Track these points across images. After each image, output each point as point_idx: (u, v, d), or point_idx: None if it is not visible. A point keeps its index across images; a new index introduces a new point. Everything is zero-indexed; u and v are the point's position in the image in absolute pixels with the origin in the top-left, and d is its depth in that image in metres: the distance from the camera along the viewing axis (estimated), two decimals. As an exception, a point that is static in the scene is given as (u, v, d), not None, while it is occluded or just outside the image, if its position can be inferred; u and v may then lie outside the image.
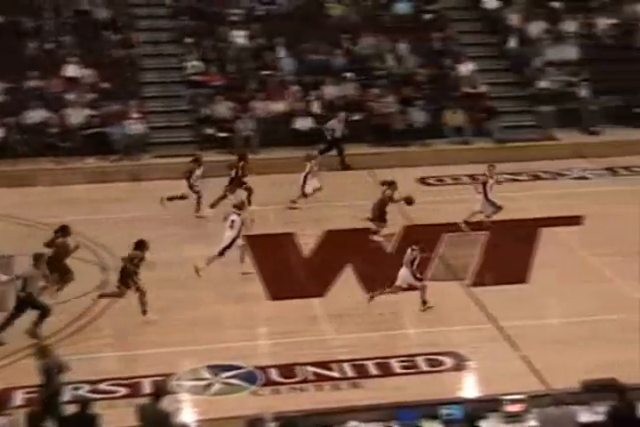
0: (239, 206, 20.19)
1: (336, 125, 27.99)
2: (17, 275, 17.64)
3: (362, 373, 16.27)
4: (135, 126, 28.45)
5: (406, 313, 18.95)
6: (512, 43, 31.65)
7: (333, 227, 22.76)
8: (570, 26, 32.13)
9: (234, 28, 31.40)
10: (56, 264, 18.39)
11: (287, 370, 16.31)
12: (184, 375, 16.18)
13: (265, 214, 23.45)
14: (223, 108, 29.18)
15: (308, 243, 21.86)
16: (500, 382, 15.69)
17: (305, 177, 23.87)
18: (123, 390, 15.66)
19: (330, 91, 29.92)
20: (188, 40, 31.11)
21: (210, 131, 29.00)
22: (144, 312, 17.96)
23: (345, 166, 27.41)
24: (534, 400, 14.01)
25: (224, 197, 23.32)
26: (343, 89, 30.01)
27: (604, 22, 32.21)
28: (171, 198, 23.04)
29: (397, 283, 18.51)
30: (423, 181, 26.02)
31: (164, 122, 29.53)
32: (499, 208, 22.47)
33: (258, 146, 28.45)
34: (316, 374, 16.24)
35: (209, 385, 15.94)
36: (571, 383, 14.63)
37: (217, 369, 16.31)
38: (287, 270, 20.31)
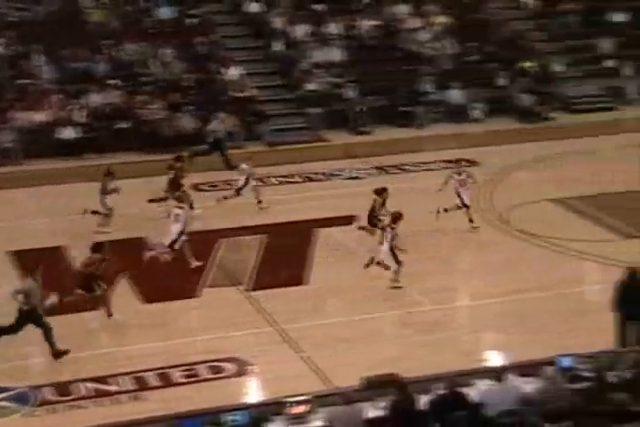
0: (180, 200, 20.73)
1: (217, 126, 27.63)
2: (17, 289, 16.77)
3: (143, 385, 15.78)
4: None
5: (186, 321, 18.53)
6: (277, 46, 31.62)
7: (106, 237, 22.01)
8: (333, 28, 32.40)
9: (-14, 36, 30.14)
10: None
11: (63, 388, 15.64)
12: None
13: (34, 227, 22.56)
14: (-21, 120, 27.94)
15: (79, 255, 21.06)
16: (284, 385, 15.55)
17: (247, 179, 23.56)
18: None
19: (95, 98, 29.09)
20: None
21: (-35, 144, 27.64)
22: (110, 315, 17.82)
23: (230, 167, 26.75)
24: (319, 400, 13.94)
25: (165, 198, 22.46)
26: (108, 96, 29.22)
27: (366, 24, 32.65)
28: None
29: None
30: (197, 187, 25.58)
31: None
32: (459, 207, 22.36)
33: (20, 157, 27.32)
34: (95, 389, 15.63)
35: (-22, 410, 15.08)
36: (353, 381, 14.60)
37: (-15, 392, 15.47)
38: (59, 284, 19.46)
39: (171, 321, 18.23)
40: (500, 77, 31.84)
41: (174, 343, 17.36)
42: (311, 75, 30.87)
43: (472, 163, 26.85)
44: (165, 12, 32.26)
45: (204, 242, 21.35)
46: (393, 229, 19.15)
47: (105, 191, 22.46)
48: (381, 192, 21.46)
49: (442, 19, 33.59)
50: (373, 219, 21.29)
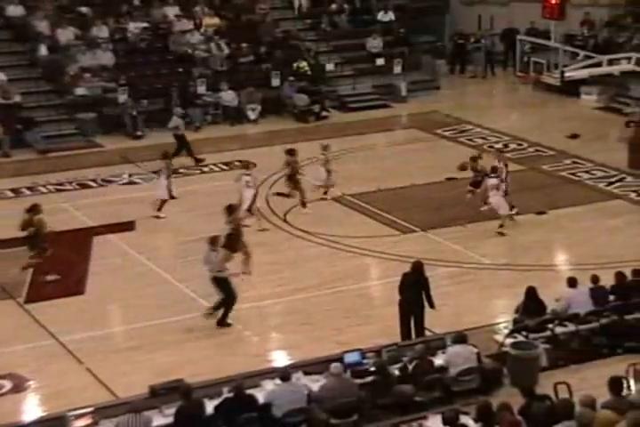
0: (247, 167, 22.59)
1: (178, 122, 27.08)
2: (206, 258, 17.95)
3: None
4: None
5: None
6: (42, 50, 30.60)
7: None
8: (101, 31, 31.63)
9: None
10: (36, 241, 19.85)
11: None
12: None
13: None
14: None
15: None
16: (66, 398, 15.15)
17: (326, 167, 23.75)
18: None
19: None
20: None
21: None
22: None
23: (196, 160, 27.09)
24: (103, 411, 13.60)
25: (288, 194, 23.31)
26: None
27: (135, 26, 32.06)
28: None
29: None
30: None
31: None
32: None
33: None
34: None
35: None
36: (138, 390, 14.34)
37: None
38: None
39: None
40: (274, 78, 31.89)
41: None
42: (81, 79, 30.03)
43: (249, 164, 26.71)
44: None
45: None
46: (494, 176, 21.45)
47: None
48: (476, 159, 22.53)
49: (213, 20, 33.37)
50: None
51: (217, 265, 17.78)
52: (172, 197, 23.36)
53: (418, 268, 16.84)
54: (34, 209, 20.04)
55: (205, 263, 17.91)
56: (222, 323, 17.85)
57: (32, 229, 19.83)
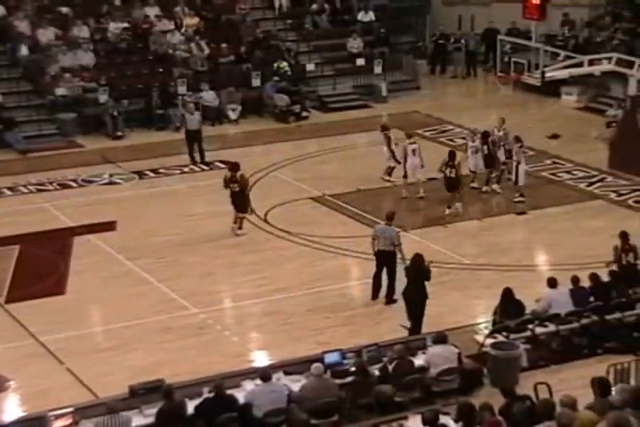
0: (411, 136, 24.23)
1: (194, 117, 27.03)
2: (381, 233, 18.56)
3: None
4: None
5: None
6: (23, 50, 30.49)
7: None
8: (82, 31, 31.54)
9: None
10: (242, 197, 21.47)
11: None
12: None
13: None
14: None
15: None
16: (47, 398, 15.14)
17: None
18: None
19: None
20: None
21: None
22: None
23: (203, 160, 26.93)
24: (83, 412, 13.60)
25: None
26: None
27: (115, 26, 31.98)
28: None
29: None
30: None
31: None
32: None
33: None
34: None
35: None
36: (118, 390, 14.32)
37: None
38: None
39: None
40: (255, 78, 31.85)
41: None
42: (61, 79, 29.94)
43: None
44: None
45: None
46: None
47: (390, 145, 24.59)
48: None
49: (193, 20, 33.31)
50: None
51: (394, 239, 18.35)
52: (398, 162, 24.30)
53: (416, 260, 16.95)
54: (235, 167, 21.61)
55: (381, 237, 18.40)
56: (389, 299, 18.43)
57: (236, 186, 21.35)
